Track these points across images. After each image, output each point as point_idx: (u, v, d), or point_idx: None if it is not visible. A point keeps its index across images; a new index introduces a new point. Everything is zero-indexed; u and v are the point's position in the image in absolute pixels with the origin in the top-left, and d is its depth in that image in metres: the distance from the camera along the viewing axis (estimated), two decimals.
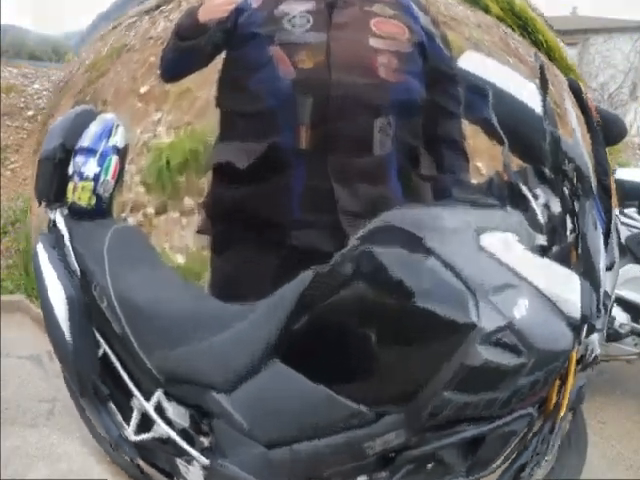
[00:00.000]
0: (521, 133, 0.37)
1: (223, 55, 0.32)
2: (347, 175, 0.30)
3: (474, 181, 0.32)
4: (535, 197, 0.35)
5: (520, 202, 0.34)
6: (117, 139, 0.33)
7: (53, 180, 0.50)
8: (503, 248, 0.31)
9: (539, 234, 0.36)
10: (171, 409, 0.31)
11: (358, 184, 0.30)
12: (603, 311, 0.84)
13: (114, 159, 0.31)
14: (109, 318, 0.33)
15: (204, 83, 0.30)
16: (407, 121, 0.31)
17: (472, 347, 0.30)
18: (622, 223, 2.14)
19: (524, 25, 0.57)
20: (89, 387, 0.41)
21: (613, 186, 0.78)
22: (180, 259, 0.28)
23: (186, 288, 0.28)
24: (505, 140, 0.34)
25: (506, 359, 0.33)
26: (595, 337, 1.14)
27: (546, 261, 0.37)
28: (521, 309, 0.33)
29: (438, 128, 0.32)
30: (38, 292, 0.53)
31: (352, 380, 0.29)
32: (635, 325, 2.03)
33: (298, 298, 0.27)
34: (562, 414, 0.61)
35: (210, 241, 0.31)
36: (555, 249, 0.40)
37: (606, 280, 0.76)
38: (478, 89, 0.35)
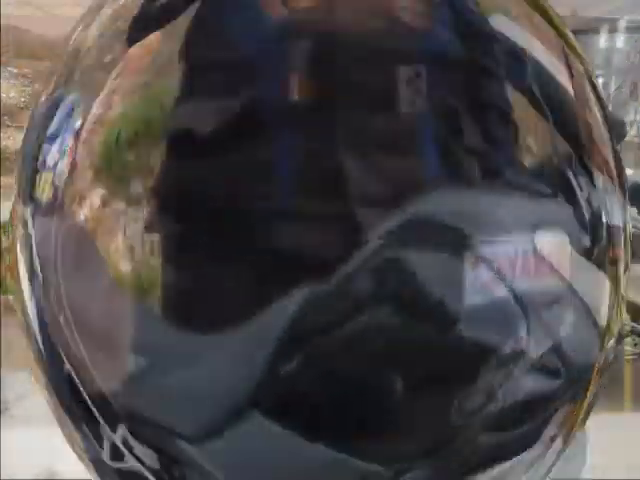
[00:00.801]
0: (562, 113, 0.31)
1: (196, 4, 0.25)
2: (362, 142, 0.20)
3: (527, 162, 0.25)
4: (580, 189, 0.29)
5: (569, 193, 0.28)
6: (75, 119, 0.27)
7: (27, 175, 0.43)
8: (556, 251, 0.25)
9: (585, 233, 0.30)
10: (138, 448, 0.25)
11: (379, 155, 0.20)
12: (620, 315, 0.77)
13: (71, 142, 0.25)
14: (66, 334, 0.26)
15: (169, 38, 0.23)
16: (442, 76, 0.23)
17: (518, 381, 0.23)
18: None
19: (542, 10, 0.50)
20: (62, 405, 0.35)
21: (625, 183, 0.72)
22: (126, 267, 0.21)
23: (136, 308, 0.22)
24: (550, 117, 0.27)
25: (546, 385, 0.27)
26: (613, 343, 1.08)
27: (589, 265, 0.31)
28: (566, 326, 0.27)
29: (481, 91, 0.25)
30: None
31: (365, 436, 0.21)
32: (635, 325, 2.03)
33: (287, 329, 0.18)
34: (578, 426, 0.55)
35: (161, 242, 0.21)
36: (596, 251, 0.34)
37: (624, 282, 0.69)
38: (516, 53, 0.28)
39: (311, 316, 0.19)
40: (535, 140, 0.25)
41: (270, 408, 0.20)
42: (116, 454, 0.34)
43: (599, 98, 0.55)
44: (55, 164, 0.31)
